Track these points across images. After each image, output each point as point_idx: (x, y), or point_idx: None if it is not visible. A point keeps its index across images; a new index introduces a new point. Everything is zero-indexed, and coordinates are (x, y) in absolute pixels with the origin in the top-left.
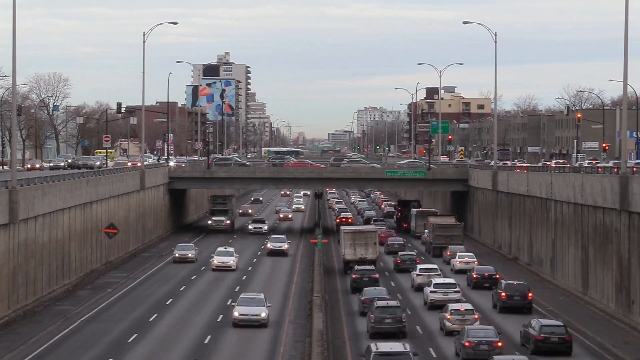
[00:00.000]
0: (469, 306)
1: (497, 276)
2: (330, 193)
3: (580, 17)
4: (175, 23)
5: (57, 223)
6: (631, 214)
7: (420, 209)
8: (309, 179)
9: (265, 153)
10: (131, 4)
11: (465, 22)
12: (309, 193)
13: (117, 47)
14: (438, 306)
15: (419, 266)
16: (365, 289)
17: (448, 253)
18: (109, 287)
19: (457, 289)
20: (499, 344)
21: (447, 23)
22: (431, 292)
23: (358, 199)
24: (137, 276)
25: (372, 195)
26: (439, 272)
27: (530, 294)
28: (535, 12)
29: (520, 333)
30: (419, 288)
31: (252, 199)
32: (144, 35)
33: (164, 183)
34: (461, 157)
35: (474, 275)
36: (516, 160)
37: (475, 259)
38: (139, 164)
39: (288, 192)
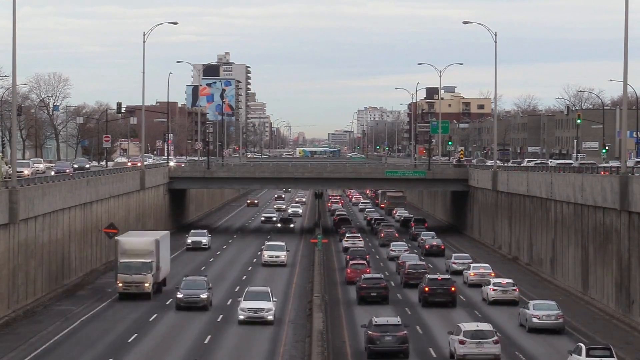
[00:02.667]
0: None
1: (413, 222)
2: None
3: (580, 17)
4: (175, 23)
5: (57, 223)
6: (631, 214)
7: (383, 190)
8: (309, 179)
9: (300, 153)
10: (143, 2)
11: (465, 22)
12: (303, 202)
13: (124, 47)
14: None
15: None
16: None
17: (395, 211)
18: (109, 287)
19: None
20: (396, 234)
21: (449, 22)
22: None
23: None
24: None
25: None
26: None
27: (424, 224)
28: (535, 11)
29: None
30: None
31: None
32: (144, 35)
33: (164, 183)
34: (461, 157)
35: (401, 219)
36: (510, 160)
37: (408, 214)
38: (139, 164)
39: (283, 196)
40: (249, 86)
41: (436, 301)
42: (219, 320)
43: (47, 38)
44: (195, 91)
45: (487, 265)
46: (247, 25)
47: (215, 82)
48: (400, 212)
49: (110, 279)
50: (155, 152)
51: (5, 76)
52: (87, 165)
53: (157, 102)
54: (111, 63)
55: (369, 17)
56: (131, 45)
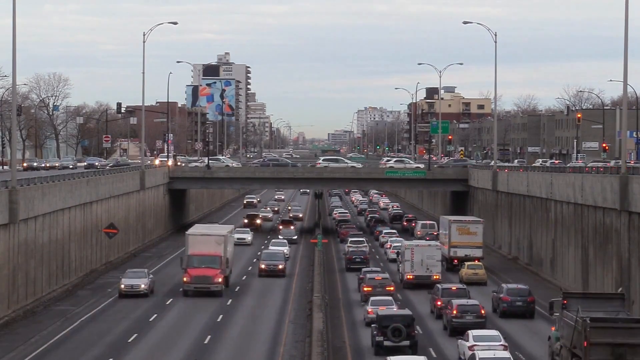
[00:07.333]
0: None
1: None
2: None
3: (580, 16)
4: (175, 23)
5: (57, 223)
6: (631, 214)
7: None
8: (309, 179)
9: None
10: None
11: (465, 22)
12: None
13: (136, 45)
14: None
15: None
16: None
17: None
18: (109, 287)
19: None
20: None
21: (449, 22)
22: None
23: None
24: None
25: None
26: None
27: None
28: (535, 10)
29: None
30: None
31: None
32: (143, 35)
33: (164, 183)
34: (461, 157)
35: (371, 196)
36: (516, 160)
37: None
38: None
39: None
40: (248, 86)
41: None
42: (219, 320)
43: (65, 36)
44: (195, 91)
45: None
46: (269, 23)
47: (215, 82)
48: (374, 192)
49: (110, 278)
50: (155, 152)
51: (5, 76)
52: (97, 164)
53: (157, 102)
54: (121, 62)
55: (370, 18)
56: (146, 43)
